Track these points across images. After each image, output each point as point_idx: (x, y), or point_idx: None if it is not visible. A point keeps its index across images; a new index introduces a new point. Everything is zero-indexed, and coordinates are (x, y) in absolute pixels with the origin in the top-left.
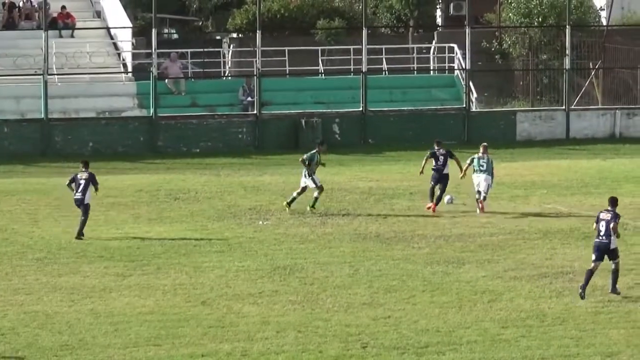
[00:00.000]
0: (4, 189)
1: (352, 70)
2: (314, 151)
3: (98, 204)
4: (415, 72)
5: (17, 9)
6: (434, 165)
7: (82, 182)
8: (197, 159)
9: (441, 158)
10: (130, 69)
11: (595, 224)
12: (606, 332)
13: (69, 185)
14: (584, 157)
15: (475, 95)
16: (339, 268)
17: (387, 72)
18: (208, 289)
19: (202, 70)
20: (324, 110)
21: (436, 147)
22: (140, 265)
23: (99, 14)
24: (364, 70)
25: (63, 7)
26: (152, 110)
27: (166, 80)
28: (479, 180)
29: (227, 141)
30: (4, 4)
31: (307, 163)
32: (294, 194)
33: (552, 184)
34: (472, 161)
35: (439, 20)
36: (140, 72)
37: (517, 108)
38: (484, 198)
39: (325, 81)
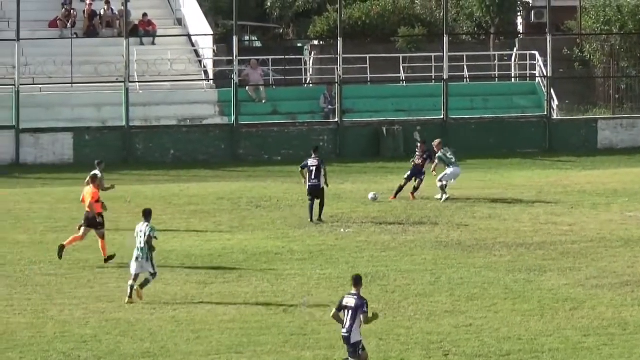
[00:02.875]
0: None
1: (433, 77)
2: None
3: (179, 212)
4: (496, 79)
5: (98, 17)
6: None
7: (314, 168)
8: (279, 166)
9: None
10: (211, 76)
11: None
12: None
13: (302, 171)
14: None
15: (556, 102)
16: (420, 276)
17: (468, 80)
18: (290, 296)
19: (283, 77)
20: (406, 118)
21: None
22: (222, 273)
23: (180, 22)
24: (445, 78)
25: (144, 15)
26: (233, 118)
27: (247, 88)
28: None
29: (308, 149)
30: (84, 11)
31: None
32: None
33: (634, 191)
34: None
35: (520, 28)
36: (221, 79)
37: (598, 116)
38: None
39: (407, 89)
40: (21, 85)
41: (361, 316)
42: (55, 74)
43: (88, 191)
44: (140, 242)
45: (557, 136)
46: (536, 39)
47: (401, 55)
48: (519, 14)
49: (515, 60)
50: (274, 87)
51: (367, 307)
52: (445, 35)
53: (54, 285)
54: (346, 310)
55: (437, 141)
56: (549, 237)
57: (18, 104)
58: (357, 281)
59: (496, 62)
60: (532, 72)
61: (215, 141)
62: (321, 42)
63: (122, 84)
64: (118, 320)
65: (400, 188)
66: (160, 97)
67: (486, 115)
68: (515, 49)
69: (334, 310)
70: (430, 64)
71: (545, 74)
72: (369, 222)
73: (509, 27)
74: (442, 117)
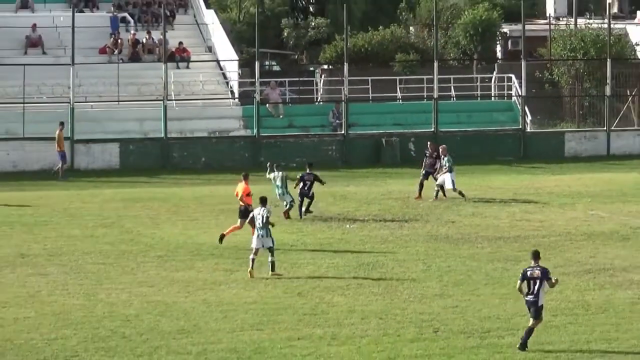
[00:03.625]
0: (130, 197)
1: (425, 96)
2: None
3: (209, 210)
4: (478, 98)
5: (141, 45)
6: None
7: (309, 183)
8: (294, 172)
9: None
10: (236, 95)
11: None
12: None
13: (298, 182)
14: (622, 171)
15: (529, 118)
16: (414, 264)
17: (454, 98)
18: (303, 282)
19: (297, 96)
20: (402, 131)
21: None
22: (246, 262)
23: (210, 49)
24: (435, 97)
25: (180, 43)
26: (255, 131)
27: (267, 105)
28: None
29: (319, 157)
30: (129, 40)
31: None
32: None
33: (595, 193)
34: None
35: (499, 54)
36: (245, 98)
37: (565, 129)
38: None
39: (403, 106)
40: (75, 102)
41: (546, 282)
42: (104, 93)
43: (241, 187)
44: (259, 223)
45: (530, 146)
46: (512, 64)
47: (398, 78)
48: (497, 42)
49: (494, 82)
50: (290, 104)
51: (550, 274)
52: (435, 61)
53: (103, 272)
54: (532, 281)
55: (443, 146)
56: (523, 232)
57: (73, 118)
58: (536, 255)
59: (478, 83)
60: (509, 92)
61: (240, 150)
62: (330, 66)
63: (161, 101)
64: (157, 302)
65: (421, 186)
66: (193, 113)
67: (470, 129)
68: (494, 73)
69: (518, 282)
70: (423, 85)
71: (520, 93)
72: (370, 219)
73: (490, 54)
74: (432, 130)
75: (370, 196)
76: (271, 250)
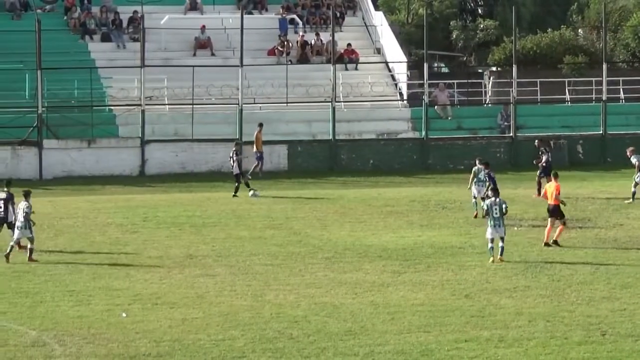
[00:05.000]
0: (299, 198)
1: (593, 98)
2: None
3: (377, 212)
4: None
5: (309, 46)
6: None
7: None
8: (462, 174)
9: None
10: (405, 97)
11: None
12: None
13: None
14: None
15: None
16: (581, 267)
17: (623, 101)
18: (470, 284)
19: (466, 98)
20: (570, 133)
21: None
22: (414, 263)
23: (379, 50)
24: (604, 99)
25: (348, 45)
26: (423, 133)
27: (435, 107)
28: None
29: (487, 159)
30: (297, 42)
31: None
32: None
33: None
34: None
35: None
36: (413, 99)
37: None
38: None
39: (571, 108)
40: (244, 104)
41: None
42: (273, 94)
43: (552, 187)
44: (496, 213)
45: None
46: None
47: (566, 80)
48: None
49: None
50: (459, 106)
51: None
52: (604, 63)
53: (271, 273)
54: None
55: (631, 148)
56: None
57: (241, 120)
58: None
59: None
60: None
61: (408, 152)
62: (498, 68)
63: (329, 103)
64: (325, 303)
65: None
66: (362, 115)
67: (639, 131)
68: None
69: None
70: (591, 87)
71: None
72: (538, 221)
73: None
74: (601, 132)
75: (538, 199)
76: (502, 238)
